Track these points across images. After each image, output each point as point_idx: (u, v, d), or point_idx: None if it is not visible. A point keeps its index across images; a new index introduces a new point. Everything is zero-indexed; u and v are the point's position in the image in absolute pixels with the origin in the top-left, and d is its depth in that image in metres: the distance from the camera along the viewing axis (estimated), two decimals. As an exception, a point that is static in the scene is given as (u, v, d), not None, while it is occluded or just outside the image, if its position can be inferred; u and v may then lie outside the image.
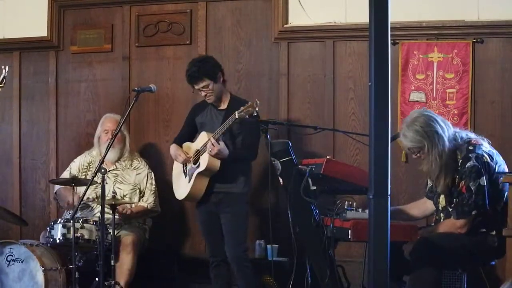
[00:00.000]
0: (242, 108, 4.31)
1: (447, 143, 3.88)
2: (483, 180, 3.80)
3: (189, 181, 4.68)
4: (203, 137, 4.66)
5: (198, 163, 4.62)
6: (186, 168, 4.78)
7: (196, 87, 4.66)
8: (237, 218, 4.64)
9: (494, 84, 5.07)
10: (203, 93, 4.68)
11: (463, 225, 3.85)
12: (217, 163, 4.52)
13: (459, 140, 3.92)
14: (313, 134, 4.95)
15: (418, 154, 3.99)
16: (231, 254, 4.65)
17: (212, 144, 4.45)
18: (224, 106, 4.71)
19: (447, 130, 3.92)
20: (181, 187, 4.79)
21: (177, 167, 4.89)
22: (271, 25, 5.51)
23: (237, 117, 4.29)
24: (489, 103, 5.08)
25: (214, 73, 4.64)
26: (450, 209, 3.95)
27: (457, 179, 3.89)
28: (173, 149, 4.84)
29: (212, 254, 4.79)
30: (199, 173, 4.58)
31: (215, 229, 4.73)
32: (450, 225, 3.90)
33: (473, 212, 3.83)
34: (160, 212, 5.34)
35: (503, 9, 5.00)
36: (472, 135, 4.00)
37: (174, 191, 4.91)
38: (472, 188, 3.80)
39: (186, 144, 4.85)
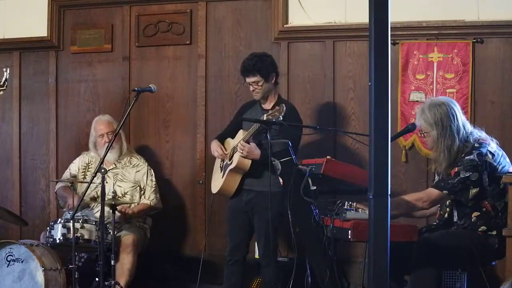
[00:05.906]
0: (270, 111, 4.38)
1: (457, 141, 3.91)
2: (474, 176, 3.82)
3: (222, 176, 4.73)
4: (240, 135, 4.71)
5: (232, 160, 4.67)
6: (223, 163, 4.83)
7: (247, 80, 4.69)
8: (268, 217, 4.57)
9: (494, 84, 5.07)
10: (251, 88, 4.71)
11: (427, 200, 3.89)
12: (247, 162, 4.55)
13: (471, 141, 3.93)
14: (313, 134, 4.95)
15: (423, 135, 4.03)
16: (261, 252, 4.67)
17: (242, 145, 4.50)
18: (269, 106, 4.71)
19: (462, 130, 3.93)
20: (216, 181, 4.85)
21: (217, 161, 4.94)
22: (271, 25, 5.52)
23: (264, 119, 4.32)
24: (489, 103, 5.08)
25: (268, 72, 4.66)
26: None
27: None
28: (212, 144, 4.88)
29: (230, 252, 4.76)
30: (230, 170, 4.63)
31: (241, 228, 4.73)
32: (417, 197, 3.93)
33: (444, 192, 3.86)
34: (162, 208, 5.34)
35: (503, 9, 5.00)
36: (483, 135, 4.01)
37: (211, 184, 4.96)
38: (460, 175, 3.83)
39: (228, 140, 4.89)
